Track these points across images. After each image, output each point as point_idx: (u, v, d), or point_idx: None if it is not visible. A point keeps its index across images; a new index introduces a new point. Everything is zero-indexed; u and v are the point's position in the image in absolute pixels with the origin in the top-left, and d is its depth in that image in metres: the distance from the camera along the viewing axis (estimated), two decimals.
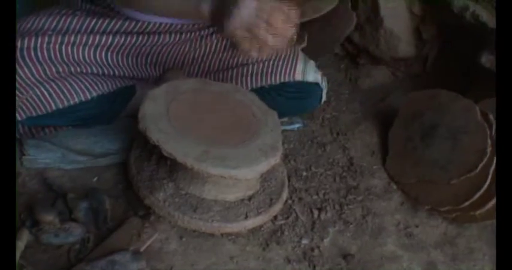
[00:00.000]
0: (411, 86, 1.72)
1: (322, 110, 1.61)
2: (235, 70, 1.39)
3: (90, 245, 1.07)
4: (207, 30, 1.41)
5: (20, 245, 1.00)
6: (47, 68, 1.19)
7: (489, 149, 1.27)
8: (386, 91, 1.72)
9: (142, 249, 1.06)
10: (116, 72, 1.31)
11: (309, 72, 1.42)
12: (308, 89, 1.42)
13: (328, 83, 1.60)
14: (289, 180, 1.33)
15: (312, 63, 1.46)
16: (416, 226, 1.30)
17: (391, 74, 1.78)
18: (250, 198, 1.17)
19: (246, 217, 1.14)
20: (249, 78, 1.39)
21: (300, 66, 1.40)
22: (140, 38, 1.32)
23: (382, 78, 1.77)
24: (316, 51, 1.70)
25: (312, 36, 1.71)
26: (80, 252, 1.05)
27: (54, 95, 1.19)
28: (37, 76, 1.18)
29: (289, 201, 1.29)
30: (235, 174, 1.04)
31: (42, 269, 1.01)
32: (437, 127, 1.38)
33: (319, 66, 1.60)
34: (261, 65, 1.39)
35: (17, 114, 1.19)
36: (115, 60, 1.31)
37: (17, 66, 1.16)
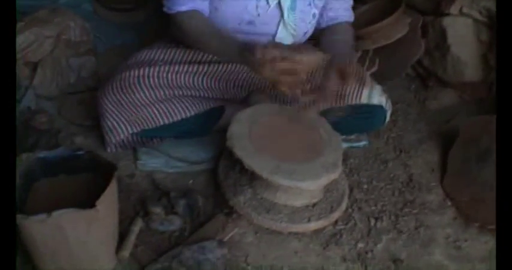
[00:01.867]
0: (476, 109, 1.90)
1: (388, 129, 1.85)
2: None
3: (186, 233, 1.42)
4: None
5: (135, 229, 1.38)
6: (157, 92, 1.58)
7: None
8: (452, 113, 1.91)
9: (225, 240, 1.39)
10: (210, 95, 1.67)
11: (374, 96, 1.67)
12: (373, 110, 1.68)
13: (397, 103, 1.84)
14: (351, 192, 1.59)
15: (378, 88, 1.71)
16: (466, 240, 1.47)
17: (458, 96, 1.96)
18: (314, 205, 1.46)
19: (309, 220, 1.43)
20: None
21: (366, 92, 1.66)
22: (229, 66, 1.67)
23: (449, 101, 1.97)
24: (386, 74, 1.95)
25: (383, 61, 1.97)
26: (178, 238, 1.40)
27: (162, 113, 1.58)
28: (149, 98, 1.57)
29: (350, 210, 1.54)
30: (301, 185, 1.35)
31: (151, 248, 1.37)
32: (491, 151, 1.56)
33: (390, 87, 1.84)
34: None
35: (133, 127, 1.59)
36: (209, 84, 1.67)
37: (135, 91, 1.56)
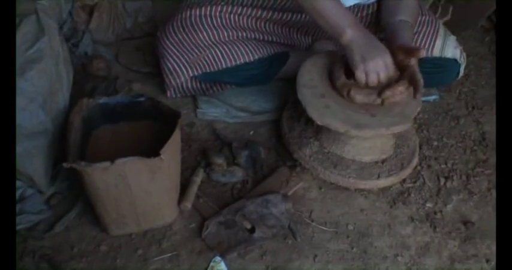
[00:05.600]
0: None
1: (460, 84, 1.68)
2: None
3: (248, 185, 1.33)
4: (350, 10, 1.56)
5: (197, 180, 1.30)
6: (220, 32, 1.45)
7: None
8: None
9: (289, 194, 1.30)
10: (274, 39, 1.53)
11: (447, 48, 1.50)
12: (445, 64, 1.52)
13: (469, 56, 1.66)
14: (420, 148, 1.46)
15: (452, 39, 1.53)
16: None
17: None
18: (383, 161, 1.34)
19: (378, 177, 1.32)
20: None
21: (439, 43, 1.49)
22: (294, 15, 1.51)
23: None
24: (459, 24, 1.76)
25: (457, 10, 1.77)
26: (241, 191, 1.32)
27: (225, 55, 1.45)
28: (212, 39, 1.45)
29: (418, 167, 1.42)
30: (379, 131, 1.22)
31: (212, 200, 1.29)
32: None
33: (462, 38, 1.65)
34: None
35: (194, 70, 1.47)
36: (272, 29, 1.53)
37: (197, 30, 1.44)
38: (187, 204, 1.23)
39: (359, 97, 1.24)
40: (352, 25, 1.26)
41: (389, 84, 1.25)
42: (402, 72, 1.28)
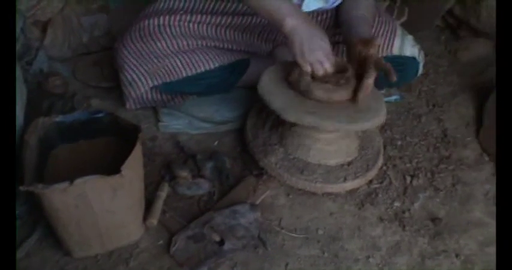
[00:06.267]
0: None
1: (419, 83, 1.70)
2: (336, 46, 1.51)
3: (215, 197, 1.30)
4: (311, 14, 1.57)
5: (162, 195, 1.26)
6: (179, 41, 1.43)
7: None
8: (485, 64, 1.75)
9: (257, 203, 1.28)
10: (234, 47, 1.52)
11: (406, 47, 1.52)
12: (405, 62, 1.52)
13: (426, 55, 1.68)
14: (384, 149, 1.46)
15: (409, 38, 1.55)
16: None
17: (492, 46, 1.80)
18: (349, 163, 1.34)
19: (345, 180, 1.31)
20: None
21: (397, 42, 1.51)
22: (254, 19, 1.50)
23: (482, 51, 1.81)
24: (416, 24, 1.78)
25: (412, 10, 1.79)
26: (207, 203, 1.28)
27: (185, 64, 1.42)
28: (171, 48, 1.42)
29: (384, 168, 1.42)
30: (346, 128, 1.22)
31: (179, 214, 1.25)
32: None
33: (419, 38, 1.67)
34: None
35: (154, 80, 1.43)
36: (233, 36, 1.51)
37: (155, 40, 1.41)
38: (153, 221, 1.19)
39: (319, 92, 1.23)
40: (292, 14, 1.26)
41: (339, 71, 1.27)
42: (364, 64, 1.27)
